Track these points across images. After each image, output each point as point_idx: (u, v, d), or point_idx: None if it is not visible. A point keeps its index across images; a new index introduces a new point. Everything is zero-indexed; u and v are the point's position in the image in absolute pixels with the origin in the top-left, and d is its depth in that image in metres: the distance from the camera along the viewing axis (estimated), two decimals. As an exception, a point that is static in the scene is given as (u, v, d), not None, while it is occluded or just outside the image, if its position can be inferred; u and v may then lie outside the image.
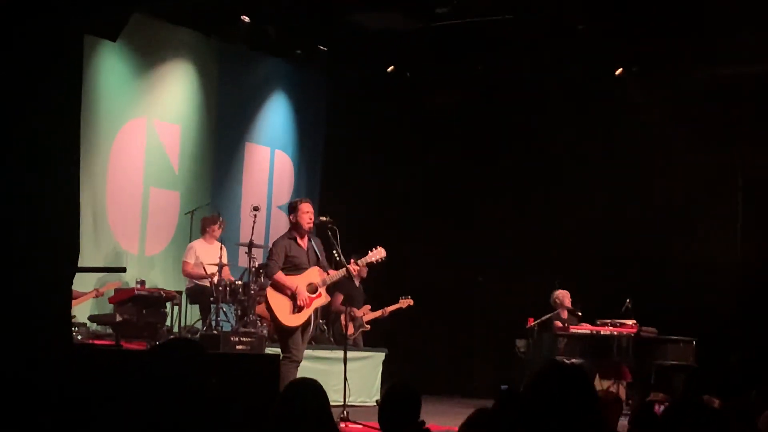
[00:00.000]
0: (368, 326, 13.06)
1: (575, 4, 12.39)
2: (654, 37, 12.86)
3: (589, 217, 14.08)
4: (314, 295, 9.54)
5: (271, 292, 9.45)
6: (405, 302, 13.22)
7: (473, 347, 15.04)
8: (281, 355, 9.25)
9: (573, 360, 11.37)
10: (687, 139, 13.54)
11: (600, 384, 12.16)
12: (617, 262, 13.78)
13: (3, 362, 5.84)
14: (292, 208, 9.71)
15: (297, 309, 9.40)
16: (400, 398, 4.80)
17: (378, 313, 13.14)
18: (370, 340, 13.22)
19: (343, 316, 12.16)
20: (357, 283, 12.85)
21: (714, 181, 13.54)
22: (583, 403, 3.35)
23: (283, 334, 9.45)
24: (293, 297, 9.39)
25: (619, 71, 13.90)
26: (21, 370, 5.90)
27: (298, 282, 9.43)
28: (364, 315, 13.01)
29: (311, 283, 9.51)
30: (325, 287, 9.69)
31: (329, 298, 10.25)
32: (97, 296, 11.37)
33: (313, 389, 4.20)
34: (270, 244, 10.28)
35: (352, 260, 9.91)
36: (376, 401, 10.08)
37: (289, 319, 9.39)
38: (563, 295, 12.77)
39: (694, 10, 11.95)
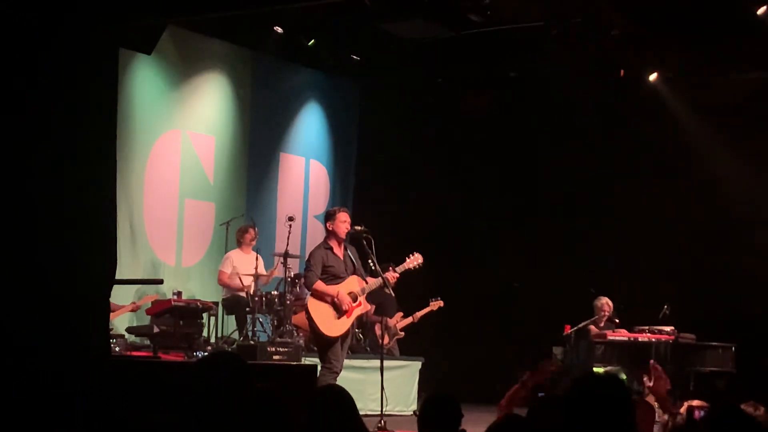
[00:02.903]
0: (402, 333, 13.04)
1: (609, 9, 12.35)
2: (688, 41, 12.78)
3: (628, 224, 13.97)
4: (355, 304, 9.53)
5: (312, 302, 9.40)
6: (435, 304, 13.14)
7: (510, 354, 14.97)
8: (320, 366, 9.23)
9: (609, 368, 11.29)
10: (725, 144, 13.43)
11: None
12: (655, 269, 13.66)
13: (42, 374, 5.88)
14: (330, 216, 9.71)
15: (339, 316, 9.39)
16: (440, 408, 4.75)
17: (410, 320, 13.11)
18: (406, 348, 13.19)
19: (377, 326, 12.17)
20: (389, 291, 12.84)
21: (751, 185, 13.40)
22: (619, 413, 3.33)
23: (323, 344, 9.41)
24: (335, 304, 9.38)
25: (653, 76, 13.83)
26: (60, 381, 5.94)
27: (339, 289, 9.46)
28: (397, 323, 13.00)
29: (351, 291, 9.51)
30: (364, 296, 9.69)
31: (369, 307, 10.21)
32: (134, 310, 11.43)
33: (341, 396, 4.19)
34: (306, 255, 10.26)
35: (390, 267, 9.91)
36: (414, 412, 10.08)
37: (330, 329, 9.37)
38: (602, 303, 12.65)
39: (728, 13, 11.88)
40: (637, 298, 13.10)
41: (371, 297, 12.28)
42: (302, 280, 11.29)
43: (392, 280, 12.19)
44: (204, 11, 8.17)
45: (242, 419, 3.47)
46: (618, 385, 3.41)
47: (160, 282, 10.85)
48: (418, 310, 13.17)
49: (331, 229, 9.60)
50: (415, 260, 10.07)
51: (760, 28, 12.01)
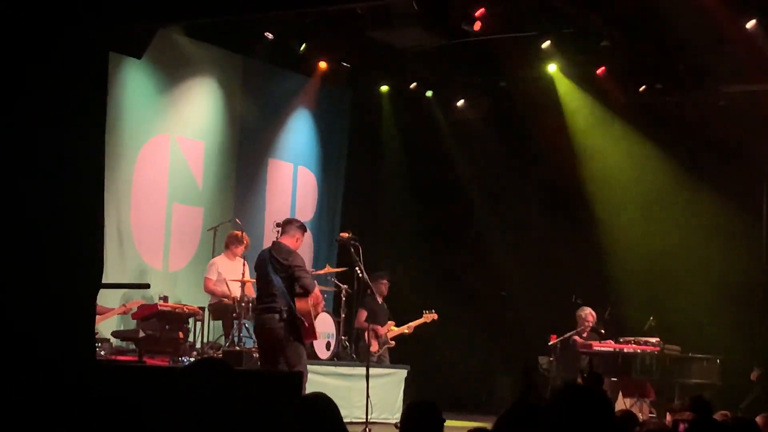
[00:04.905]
0: (393, 342, 13.02)
1: (600, 20, 12.41)
2: (679, 54, 12.85)
3: (614, 234, 14.00)
4: None
5: (310, 305, 9.38)
6: (429, 316, 13.14)
7: (496, 364, 14.99)
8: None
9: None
10: (711, 157, 13.49)
11: (623, 402, 12.09)
12: (641, 280, 13.69)
13: (27, 377, 5.86)
14: (294, 225, 9.65)
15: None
16: (421, 417, 4.73)
17: (403, 329, 13.09)
18: (394, 356, 13.18)
19: (366, 333, 12.15)
20: (380, 300, 12.85)
21: (739, 197, 13.46)
22: (600, 425, 3.33)
23: (303, 349, 9.44)
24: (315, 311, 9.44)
25: (643, 88, 13.89)
26: (44, 385, 5.92)
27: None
28: (388, 332, 12.98)
29: None
30: None
31: None
32: (124, 313, 11.39)
33: (326, 405, 4.18)
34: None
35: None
36: (395, 425, 10.07)
37: (317, 332, 9.47)
38: (586, 313, 12.66)
39: (715, 27, 11.96)
40: (623, 308, 13.12)
41: (363, 304, 12.37)
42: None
43: (383, 290, 12.26)
44: (196, 17, 8.15)
45: (231, 425, 3.47)
46: (599, 396, 3.40)
47: (147, 287, 10.81)
48: (411, 320, 13.16)
49: (293, 237, 9.56)
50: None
51: (747, 43, 12.09)
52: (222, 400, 3.51)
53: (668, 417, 7.42)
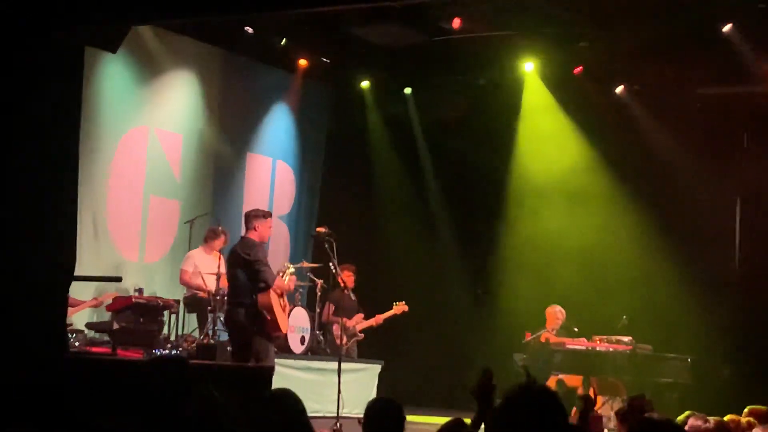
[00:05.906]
0: (362, 335, 13.03)
1: (579, 20, 12.48)
2: (656, 55, 12.92)
3: (588, 232, 14.06)
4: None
5: (275, 298, 9.42)
6: (399, 308, 13.12)
7: (471, 361, 15.02)
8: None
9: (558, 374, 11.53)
10: (685, 157, 13.57)
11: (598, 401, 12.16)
12: (614, 279, 13.76)
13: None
14: (258, 217, 9.65)
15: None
16: (383, 414, 4.76)
17: (371, 322, 13.07)
18: (368, 351, 13.20)
19: (335, 327, 12.18)
20: (346, 293, 12.85)
21: (712, 198, 13.55)
22: (553, 425, 3.36)
23: (270, 344, 9.48)
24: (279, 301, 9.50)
25: (620, 89, 13.98)
26: (15, 377, 5.95)
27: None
28: (356, 324, 12.97)
29: None
30: None
31: None
32: (96, 305, 11.40)
33: (291, 400, 4.20)
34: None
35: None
36: (359, 421, 10.14)
37: (283, 325, 9.49)
38: (555, 311, 12.71)
39: (695, 30, 12.06)
40: (597, 307, 13.19)
41: (331, 298, 12.40)
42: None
43: (349, 282, 12.25)
44: (174, 17, 8.14)
45: (179, 422, 3.51)
46: (550, 399, 3.42)
47: (119, 280, 10.81)
48: (380, 312, 13.17)
49: (257, 230, 9.57)
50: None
51: (725, 46, 12.19)
52: (176, 396, 3.55)
53: (616, 422, 7.48)
